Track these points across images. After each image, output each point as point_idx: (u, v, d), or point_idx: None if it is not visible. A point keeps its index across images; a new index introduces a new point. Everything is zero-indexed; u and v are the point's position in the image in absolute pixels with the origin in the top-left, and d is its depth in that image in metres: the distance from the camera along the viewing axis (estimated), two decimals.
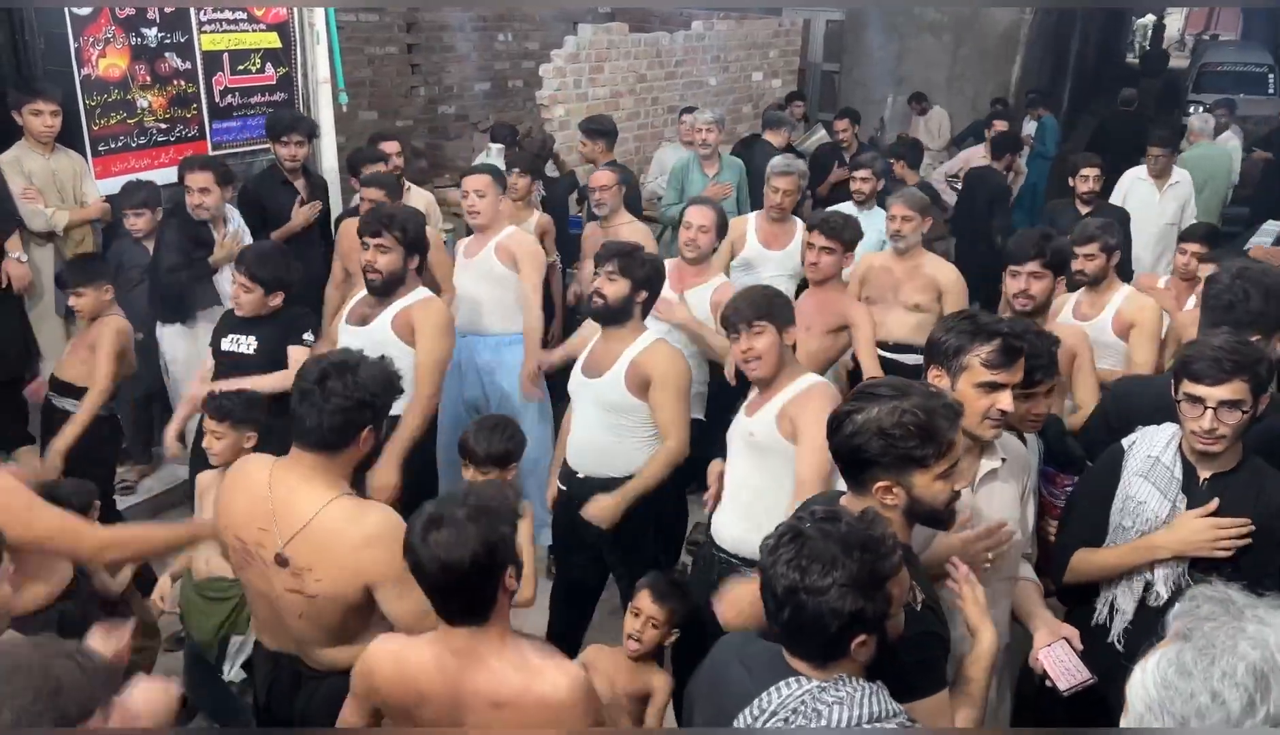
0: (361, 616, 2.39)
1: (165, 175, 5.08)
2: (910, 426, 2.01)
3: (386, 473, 3.41)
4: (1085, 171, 5.94)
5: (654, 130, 8.82)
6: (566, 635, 3.56)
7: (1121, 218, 5.71)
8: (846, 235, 4.02)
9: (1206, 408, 2.40)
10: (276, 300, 3.84)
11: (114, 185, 4.92)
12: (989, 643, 2.08)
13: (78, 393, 3.98)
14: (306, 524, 2.32)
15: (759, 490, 2.97)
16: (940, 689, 2.02)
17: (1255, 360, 2.40)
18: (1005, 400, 2.36)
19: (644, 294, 3.40)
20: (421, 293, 3.72)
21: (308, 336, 3.92)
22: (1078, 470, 2.79)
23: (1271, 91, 14.24)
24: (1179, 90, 15.56)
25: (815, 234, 4.02)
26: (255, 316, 3.83)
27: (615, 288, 3.36)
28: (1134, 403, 3.03)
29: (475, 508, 1.96)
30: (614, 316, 3.40)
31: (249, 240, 4.82)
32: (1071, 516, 2.78)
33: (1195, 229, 4.99)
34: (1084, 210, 5.92)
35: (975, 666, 2.08)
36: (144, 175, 5.09)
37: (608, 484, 3.35)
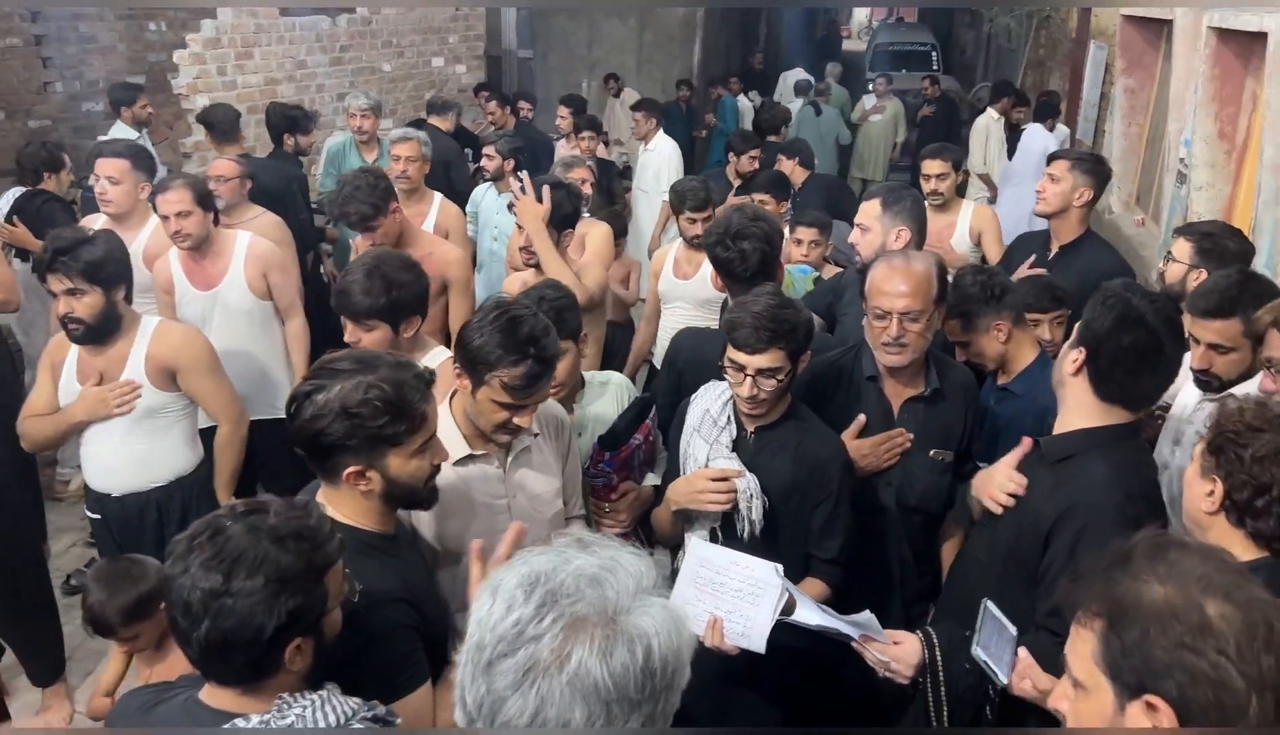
0: None
1: None
2: (377, 403, 1.84)
3: None
4: (753, 153, 6.33)
5: (323, 119, 8.35)
6: None
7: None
8: (368, 207, 3.72)
9: (746, 375, 2.40)
10: None
11: None
12: None
13: None
14: None
15: None
16: (421, 683, 1.88)
17: (792, 327, 2.40)
18: (523, 419, 2.26)
19: (121, 289, 3.04)
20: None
21: None
22: (611, 445, 2.71)
23: (935, 68, 15.51)
24: (858, 69, 16.68)
25: None
26: None
27: (87, 303, 2.96)
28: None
29: None
30: (102, 333, 3.04)
31: None
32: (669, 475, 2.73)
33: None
34: (736, 183, 6.21)
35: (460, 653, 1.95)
36: None
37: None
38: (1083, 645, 1.26)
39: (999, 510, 2.22)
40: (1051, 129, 7.80)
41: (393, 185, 3.92)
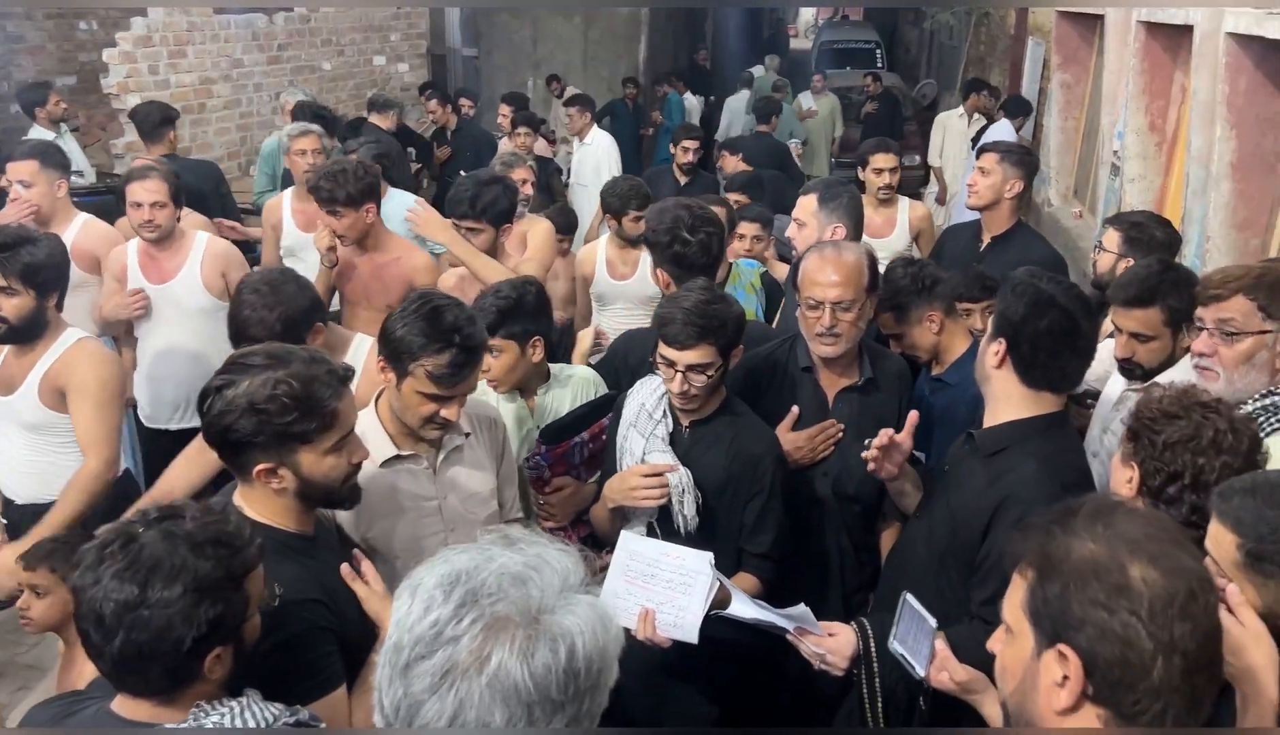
0: None
1: None
2: (285, 399, 1.80)
3: None
4: (686, 143, 6.23)
5: (260, 119, 8.22)
6: None
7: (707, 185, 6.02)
8: (342, 193, 3.63)
9: (677, 370, 2.38)
10: None
11: None
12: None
13: None
14: None
15: None
16: (336, 686, 1.84)
17: (721, 323, 2.38)
18: (450, 411, 2.22)
19: (54, 296, 2.94)
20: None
21: None
22: (549, 439, 2.69)
23: (880, 65, 15.64)
24: (805, 67, 16.77)
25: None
26: None
27: (15, 304, 2.84)
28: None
29: None
30: (24, 335, 2.92)
31: None
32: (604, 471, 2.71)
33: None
34: (683, 180, 6.19)
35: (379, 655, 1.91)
36: None
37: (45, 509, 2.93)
38: (1015, 592, 1.31)
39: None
40: (1020, 128, 7.84)
41: (378, 186, 3.77)
